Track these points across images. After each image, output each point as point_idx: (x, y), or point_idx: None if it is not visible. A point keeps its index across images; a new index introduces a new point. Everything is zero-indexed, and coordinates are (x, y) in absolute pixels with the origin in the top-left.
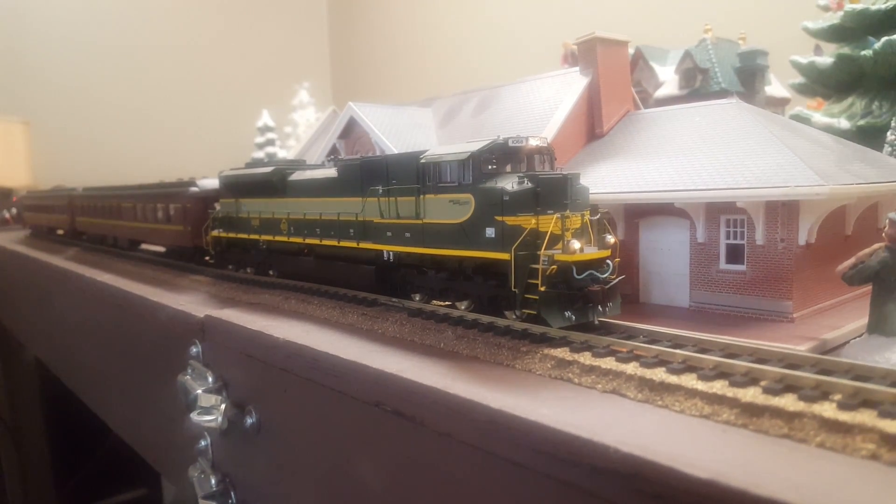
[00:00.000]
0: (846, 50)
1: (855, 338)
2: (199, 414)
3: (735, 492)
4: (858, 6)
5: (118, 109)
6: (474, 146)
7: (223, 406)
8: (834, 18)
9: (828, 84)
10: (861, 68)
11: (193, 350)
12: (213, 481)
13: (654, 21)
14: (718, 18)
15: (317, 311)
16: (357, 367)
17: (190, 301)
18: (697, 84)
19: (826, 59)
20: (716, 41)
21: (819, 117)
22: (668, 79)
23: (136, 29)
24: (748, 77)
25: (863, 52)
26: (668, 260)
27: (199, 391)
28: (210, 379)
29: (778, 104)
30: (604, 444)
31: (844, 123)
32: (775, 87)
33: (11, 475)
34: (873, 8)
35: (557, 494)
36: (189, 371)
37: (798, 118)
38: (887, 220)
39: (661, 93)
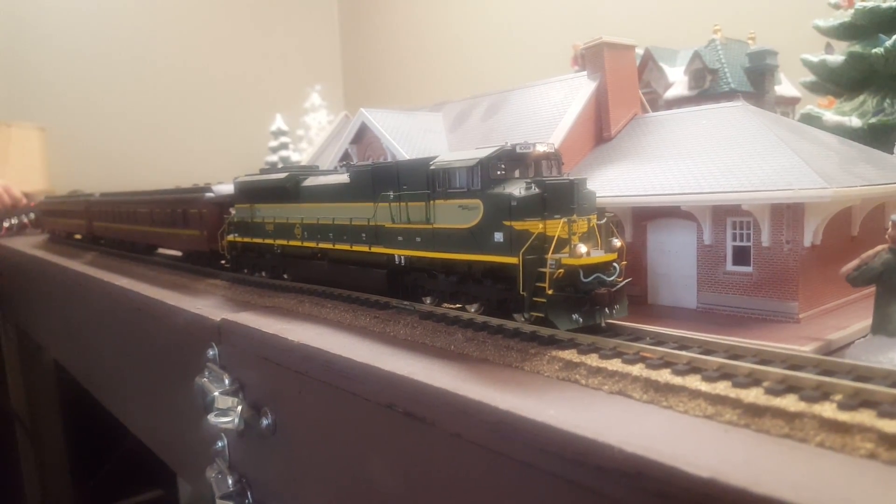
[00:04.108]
0: (857, 48)
1: (859, 338)
2: (216, 415)
3: (735, 490)
4: (869, 4)
5: (133, 115)
6: (483, 153)
7: (240, 408)
8: (845, 16)
9: (839, 82)
10: (872, 66)
11: (210, 353)
12: (230, 481)
13: (663, 21)
14: (728, 18)
15: (330, 314)
16: (370, 369)
17: (206, 304)
18: (707, 85)
19: (837, 58)
20: (725, 41)
21: (830, 116)
22: (677, 79)
23: (150, 36)
24: (758, 77)
25: (874, 50)
26: (675, 262)
27: (216, 393)
28: (227, 381)
29: (788, 103)
30: (608, 444)
31: (856, 121)
32: (785, 87)
33: (30, 476)
34: (884, 5)
35: (564, 493)
36: (206, 373)
37: (809, 117)
38: (890, 222)
39: (670, 94)
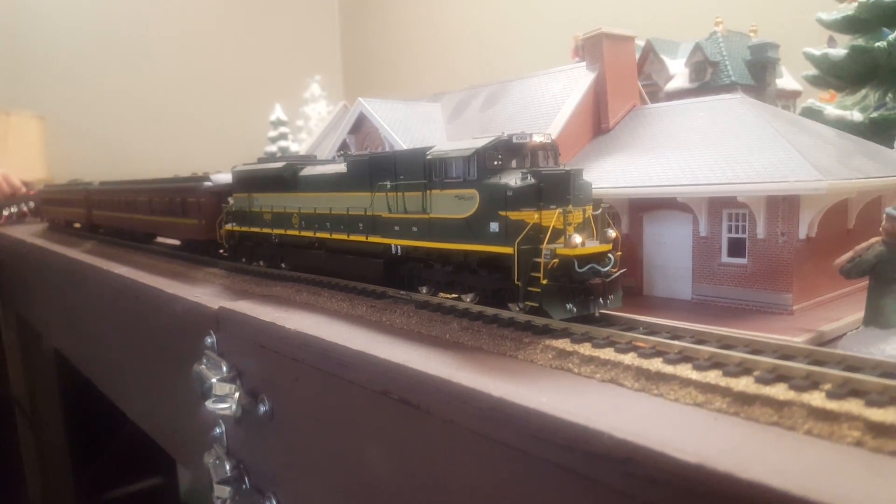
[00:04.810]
0: (860, 41)
1: (852, 330)
2: (213, 402)
3: (721, 475)
4: None
5: (132, 105)
6: (479, 142)
7: (237, 394)
8: (848, 9)
9: (841, 76)
10: (875, 60)
11: (208, 340)
12: (227, 467)
13: (665, 13)
14: (730, 11)
15: (327, 302)
16: (365, 356)
17: (205, 293)
18: (708, 77)
19: (839, 51)
20: (727, 34)
21: (831, 110)
22: (678, 72)
23: (150, 24)
24: (759, 70)
25: (877, 44)
26: (671, 253)
27: (214, 380)
28: (224, 368)
29: (789, 97)
30: (599, 430)
31: (857, 116)
32: (787, 80)
33: (30, 463)
34: None
35: (555, 478)
36: (204, 361)
37: (810, 111)
38: (885, 215)
39: (671, 86)
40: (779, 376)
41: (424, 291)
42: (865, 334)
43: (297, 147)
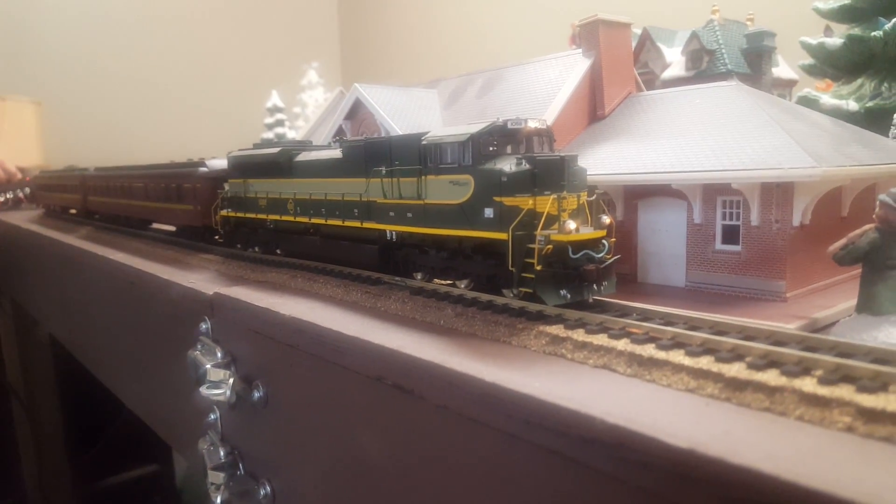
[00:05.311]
0: (856, 31)
1: (845, 317)
2: (208, 388)
3: (712, 460)
4: None
5: (129, 90)
6: (474, 128)
7: (231, 380)
8: None
9: (837, 65)
10: (871, 49)
11: (203, 326)
12: (221, 453)
13: (662, 2)
14: None
15: (322, 289)
16: (360, 342)
17: (200, 279)
18: (704, 66)
19: (836, 40)
20: (723, 22)
21: (827, 99)
22: (674, 60)
23: (147, 10)
24: (755, 58)
25: (873, 33)
26: (665, 240)
27: (209, 366)
28: (219, 354)
29: (785, 85)
30: (591, 415)
31: (853, 105)
32: (783, 69)
33: (26, 451)
34: None
35: (547, 463)
36: (199, 346)
37: (805, 100)
38: (878, 202)
39: (667, 74)
40: (771, 362)
41: (419, 277)
42: (858, 321)
43: (294, 134)
